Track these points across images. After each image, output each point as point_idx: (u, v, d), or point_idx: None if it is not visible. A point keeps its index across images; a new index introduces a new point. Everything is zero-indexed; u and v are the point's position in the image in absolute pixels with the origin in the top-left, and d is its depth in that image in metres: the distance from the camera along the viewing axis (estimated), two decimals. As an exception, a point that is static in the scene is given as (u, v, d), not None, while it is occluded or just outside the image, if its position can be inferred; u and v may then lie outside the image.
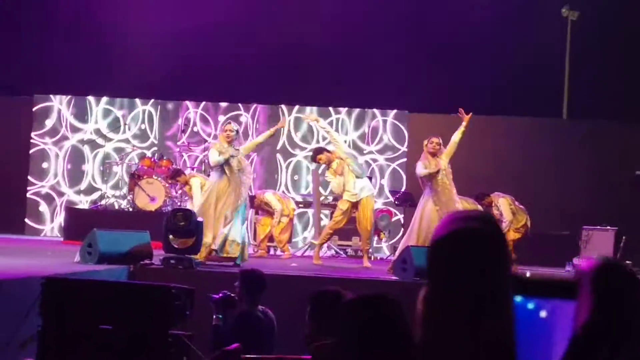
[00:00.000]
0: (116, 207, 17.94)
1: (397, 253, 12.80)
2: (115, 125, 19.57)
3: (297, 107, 19.37)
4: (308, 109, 19.32)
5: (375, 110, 19.38)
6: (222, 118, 19.32)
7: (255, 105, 19.49)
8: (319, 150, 14.01)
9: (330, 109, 19.42)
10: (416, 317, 2.46)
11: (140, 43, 18.94)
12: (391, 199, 18.19)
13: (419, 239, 12.60)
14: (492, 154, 18.20)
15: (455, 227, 2.44)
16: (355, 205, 13.53)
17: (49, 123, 19.73)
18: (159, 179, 17.22)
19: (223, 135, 13.01)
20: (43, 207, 19.63)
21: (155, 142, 19.47)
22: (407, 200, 17.55)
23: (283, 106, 19.37)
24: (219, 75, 19.10)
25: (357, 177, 13.53)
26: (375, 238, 17.19)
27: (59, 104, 19.76)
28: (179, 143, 18.93)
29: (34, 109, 19.72)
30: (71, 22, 19.35)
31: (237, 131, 13.41)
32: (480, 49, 18.77)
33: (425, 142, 13.11)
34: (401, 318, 2.83)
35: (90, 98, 19.76)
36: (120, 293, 7.26)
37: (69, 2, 19.39)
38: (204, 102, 19.60)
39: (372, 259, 16.51)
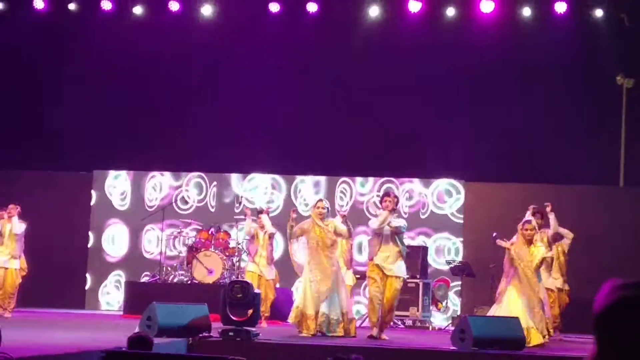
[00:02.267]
0: (174, 280, 17.98)
1: None
2: (177, 199, 19.63)
3: (360, 178, 19.41)
4: (371, 179, 19.36)
5: (431, 180, 19.31)
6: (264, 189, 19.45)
7: (312, 176, 19.57)
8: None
9: (391, 179, 19.43)
10: None
11: (195, 118, 19.20)
12: (448, 268, 18.08)
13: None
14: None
15: (622, 294, 2.42)
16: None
17: (108, 198, 19.92)
18: (217, 251, 17.29)
19: (316, 212, 13.32)
20: (103, 281, 19.75)
21: (213, 214, 19.51)
22: (463, 270, 17.43)
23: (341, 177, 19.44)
24: (272, 147, 19.25)
25: None
26: (433, 307, 17.09)
27: (119, 179, 19.96)
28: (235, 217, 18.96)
29: (93, 184, 19.95)
30: (129, 99, 19.65)
31: (328, 209, 13.54)
32: (536, 118, 18.72)
33: (519, 225, 13.20)
34: None
35: (151, 172, 19.94)
36: (178, 366, 7.27)
37: (127, 82, 19.69)
38: (253, 174, 19.70)
39: (430, 328, 16.39)
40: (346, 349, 11.51)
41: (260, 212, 15.80)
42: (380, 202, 13.36)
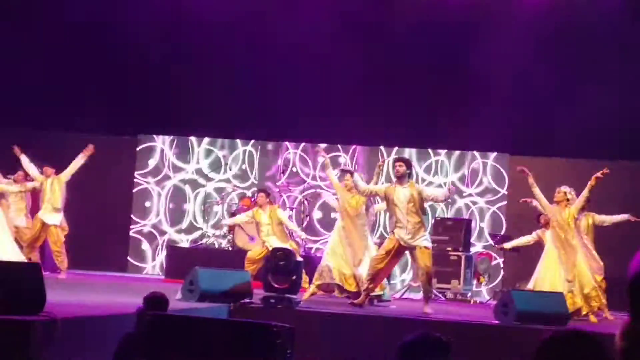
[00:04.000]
0: (216, 246, 18.06)
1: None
2: (216, 165, 19.78)
3: (396, 148, 19.31)
4: (407, 150, 19.28)
5: (475, 153, 19.21)
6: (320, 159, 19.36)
7: (354, 146, 19.50)
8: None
9: (430, 150, 19.35)
10: (616, 353, 2.42)
11: (241, 84, 19.12)
12: (491, 242, 18.01)
13: (535, 284, 13.06)
14: (616, 199, 17.47)
15: None
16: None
17: (152, 163, 20.03)
18: (259, 218, 17.30)
19: (342, 185, 13.74)
20: (145, 246, 19.89)
21: (255, 182, 19.57)
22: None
23: (382, 147, 19.35)
24: (318, 116, 19.14)
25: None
26: (475, 282, 17.03)
27: (162, 144, 20.05)
28: (278, 183, 19.03)
29: (137, 149, 20.06)
30: (171, 63, 19.60)
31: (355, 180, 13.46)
32: (586, 91, 18.40)
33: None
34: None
35: (192, 138, 20.01)
36: (222, 330, 7.25)
37: (170, 46, 19.63)
38: (303, 143, 19.68)
39: (472, 302, 16.34)
40: (380, 320, 11.49)
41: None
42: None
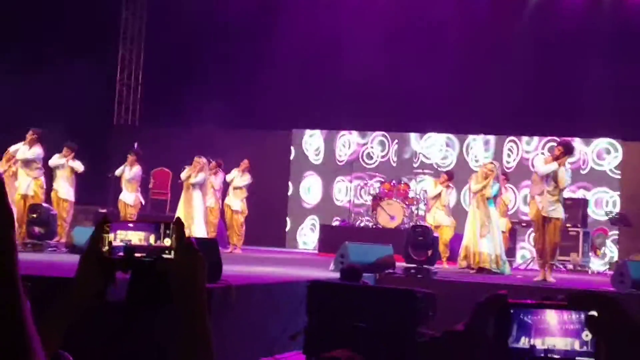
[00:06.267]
0: (361, 224, 18.24)
1: None
2: (363, 155, 19.95)
3: (526, 137, 19.09)
4: (536, 138, 19.05)
5: (591, 139, 18.82)
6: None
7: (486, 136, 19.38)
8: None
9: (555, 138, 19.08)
10: None
11: (381, 85, 19.20)
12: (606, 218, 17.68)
13: None
14: None
15: None
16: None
17: (304, 153, 20.33)
18: (398, 200, 17.44)
19: (482, 171, 13.52)
20: (300, 224, 20.25)
21: (394, 168, 19.63)
22: (621, 220, 17.03)
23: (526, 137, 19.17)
24: (446, 108, 19.08)
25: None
26: (592, 254, 16.78)
27: (314, 137, 20.32)
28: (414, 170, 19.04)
29: (292, 142, 20.38)
30: (321, 67, 19.83)
31: (496, 166, 13.65)
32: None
33: None
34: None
35: (341, 131, 20.21)
36: (373, 296, 7.43)
37: (320, 49, 19.86)
38: (430, 133, 19.67)
39: (590, 272, 16.09)
40: (506, 287, 11.44)
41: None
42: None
